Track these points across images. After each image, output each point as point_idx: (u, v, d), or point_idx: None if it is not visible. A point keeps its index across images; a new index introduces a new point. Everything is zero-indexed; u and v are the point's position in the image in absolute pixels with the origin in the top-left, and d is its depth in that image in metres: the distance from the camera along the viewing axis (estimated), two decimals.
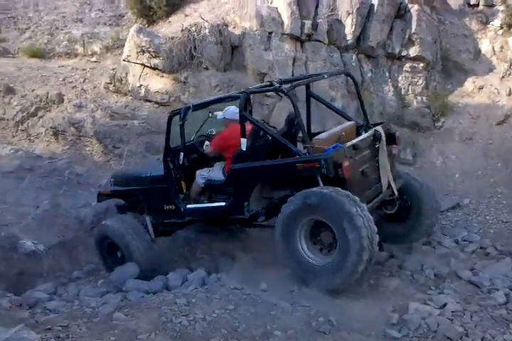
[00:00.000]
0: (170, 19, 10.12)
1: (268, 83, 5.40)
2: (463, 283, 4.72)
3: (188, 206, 5.39)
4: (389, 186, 5.06)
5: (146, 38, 8.66)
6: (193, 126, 5.81)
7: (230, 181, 5.04)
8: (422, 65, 8.74)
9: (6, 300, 4.98)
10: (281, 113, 7.87)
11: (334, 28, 8.45)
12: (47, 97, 8.67)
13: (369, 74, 8.70)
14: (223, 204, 5.12)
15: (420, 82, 8.75)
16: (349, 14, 8.37)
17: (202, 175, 5.40)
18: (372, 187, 4.93)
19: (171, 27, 9.62)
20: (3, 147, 8.08)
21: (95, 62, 9.95)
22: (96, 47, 10.20)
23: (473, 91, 8.75)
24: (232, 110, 5.28)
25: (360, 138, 4.92)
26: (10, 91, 8.76)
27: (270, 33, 8.29)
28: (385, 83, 8.72)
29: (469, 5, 9.42)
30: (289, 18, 8.17)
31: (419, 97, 8.71)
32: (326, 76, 5.59)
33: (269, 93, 7.97)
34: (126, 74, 8.96)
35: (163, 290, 4.82)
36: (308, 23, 8.24)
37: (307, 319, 4.00)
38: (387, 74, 8.79)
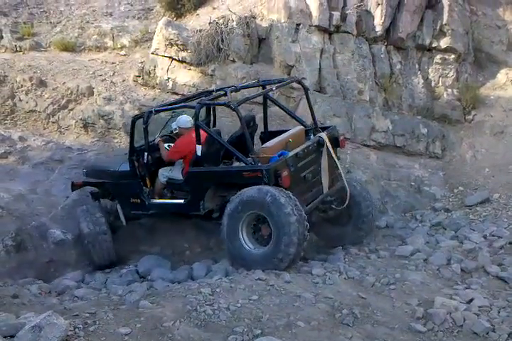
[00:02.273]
0: (198, 12, 10.13)
1: (222, 92, 5.71)
2: (490, 279, 4.64)
3: (152, 200, 5.91)
4: (330, 187, 5.56)
5: (174, 31, 8.71)
6: (158, 125, 6.30)
7: (188, 182, 5.54)
8: (453, 56, 8.55)
9: (36, 287, 5.15)
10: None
11: (363, 19, 8.33)
12: (77, 90, 8.82)
13: (398, 66, 8.56)
14: (182, 201, 5.62)
15: (451, 74, 8.57)
16: (379, 5, 8.23)
17: (163, 174, 5.90)
18: (314, 190, 5.44)
19: (199, 20, 9.63)
20: (35, 139, 8.29)
21: (124, 55, 10.06)
22: (125, 41, 10.30)
23: (505, 84, 8.52)
24: (184, 119, 5.84)
25: (304, 146, 5.34)
26: (42, 84, 8.95)
27: (298, 25, 8.22)
28: (415, 75, 8.57)
29: None
30: (317, 9, 8.09)
31: (449, 90, 8.54)
32: (274, 88, 5.86)
33: (295, 85, 7.96)
34: (155, 67, 9.04)
35: (187, 280, 4.90)
36: (336, 15, 8.14)
37: (331, 311, 3.99)
38: (416, 66, 8.64)
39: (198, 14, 10.16)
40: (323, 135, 5.51)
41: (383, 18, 8.30)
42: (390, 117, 8.12)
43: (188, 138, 5.61)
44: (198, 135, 5.29)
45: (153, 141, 6.11)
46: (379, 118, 8.04)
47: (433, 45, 8.55)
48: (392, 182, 7.52)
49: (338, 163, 5.51)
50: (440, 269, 4.89)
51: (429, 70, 8.61)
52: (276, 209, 4.71)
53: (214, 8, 9.97)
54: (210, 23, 8.74)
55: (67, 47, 10.09)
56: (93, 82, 9.03)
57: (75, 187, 6.72)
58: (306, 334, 3.64)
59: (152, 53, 9.11)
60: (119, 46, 10.26)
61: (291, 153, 5.13)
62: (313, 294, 4.26)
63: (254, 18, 8.78)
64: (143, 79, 9.09)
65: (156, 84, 8.95)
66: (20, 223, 6.43)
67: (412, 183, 7.57)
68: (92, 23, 10.70)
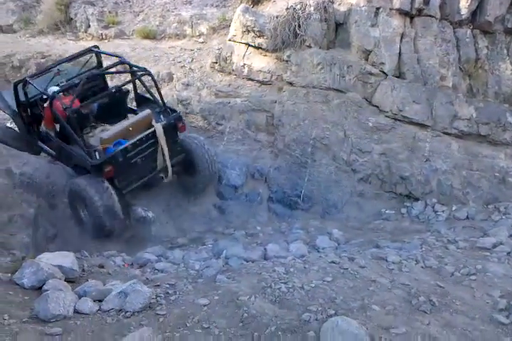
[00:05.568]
0: None
1: (74, 83, 6.49)
2: None
3: (39, 143, 7.14)
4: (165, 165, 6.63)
5: (251, 18, 8.75)
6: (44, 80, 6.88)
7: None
8: None
9: (120, 259, 5.47)
10: (385, 91, 7.65)
11: (447, 1, 7.90)
12: (158, 76, 9.13)
13: (484, 51, 8.07)
14: (54, 153, 6.97)
15: None
16: None
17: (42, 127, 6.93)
18: (147, 168, 6.54)
19: (276, 6, 9.60)
20: None
21: (202, 42, 10.27)
22: (203, 28, 10.50)
23: None
24: (52, 90, 6.43)
25: (138, 137, 6.25)
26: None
27: (378, 9, 7.96)
28: (503, 61, 8.04)
29: None
30: None
31: None
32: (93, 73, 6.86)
33: (373, 71, 7.79)
34: (231, 53, 9.15)
35: (261, 260, 4.98)
36: None
37: (407, 297, 3.92)
38: (505, 51, 8.09)
39: (274, 1, 10.14)
40: (158, 126, 6.39)
41: (469, 1, 7.83)
42: (474, 104, 7.71)
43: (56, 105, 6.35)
44: (56, 116, 6.28)
45: (37, 95, 6.76)
46: (462, 106, 7.66)
47: None
48: (475, 172, 7.16)
49: (165, 149, 6.46)
50: None
51: None
52: (88, 199, 6.11)
53: None
54: (287, 8, 8.69)
55: (149, 35, 10.47)
56: (173, 69, 9.33)
57: None
58: (381, 317, 3.61)
59: (229, 40, 9.23)
60: (197, 34, 10.48)
61: (119, 148, 6.12)
62: (388, 280, 4.21)
63: (332, 2, 8.61)
64: (219, 65, 9.24)
65: (232, 70, 9.06)
66: None
67: (497, 174, 7.16)
68: (172, 12, 10.98)
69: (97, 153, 6.15)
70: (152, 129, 6.39)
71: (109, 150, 6.16)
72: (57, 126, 6.54)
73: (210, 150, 7.21)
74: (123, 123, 6.47)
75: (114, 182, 6.33)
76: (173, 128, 6.72)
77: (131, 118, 6.60)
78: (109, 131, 6.38)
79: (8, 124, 7.52)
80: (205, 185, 7.37)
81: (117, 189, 6.34)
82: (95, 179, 6.21)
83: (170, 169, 6.72)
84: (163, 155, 6.56)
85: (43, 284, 3.86)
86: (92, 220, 6.27)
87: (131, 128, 6.32)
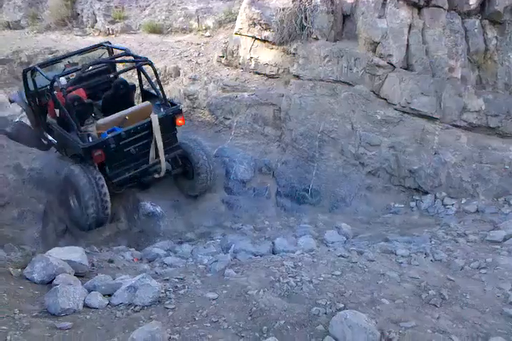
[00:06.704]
0: None
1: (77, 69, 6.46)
2: None
3: (45, 133, 7.18)
4: (157, 156, 6.51)
5: (257, 11, 8.70)
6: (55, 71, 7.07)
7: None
8: None
9: (129, 253, 5.49)
10: (393, 83, 7.58)
11: None
12: (165, 71, 9.14)
13: (493, 42, 7.97)
14: (55, 141, 6.99)
15: None
16: None
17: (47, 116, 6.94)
18: (141, 160, 6.45)
19: None
20: None
21: (209, 36, 10.24)
22: (209, 22, 10.47)
23: None
24: (62, 79, 6.54)
25: (133, 126, 6.21)
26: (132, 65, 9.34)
27: (385, 0, 7.90)
28: None
29: None
30: None
31: None
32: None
33: (381, 63, 7.72)
34: (238, 47, 9.11)
35: (269, 254, 4.98)
36: None
37: (416, 290, 3.90)
38: None
39: None
40: (155, 117, 6.33)
41: None
42: (483, 96, 7.62)
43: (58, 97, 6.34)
44: (56, 102, 6.27)
45: (46, 86, 6.69)
46: (471, 98, 7.57)
47: None
48: (484, 165, 7.09)
49: (158, 141, 6.36)
50: None
51: None
52: (77, 186, 6.04)
53: None
54: (293, 0, 8.62)
55: (156, 30, 10.47)
56: (179, 63, 9.31)
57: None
58: (390, 311, 3.59)
59: (235, 33, 9.18)
60: (203, 27, 10.46)
61: (113, 134, 6.07)
62: (397, 273, 4.19)
63: None
64: (226, 59, 9.21)
65: (239, 63, 9.03)
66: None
67: (507, 167, 7.09)
68: (179, 6, 10.96)
69: (90, 138, 6.14)
70: (148, 120, 6.33)
71: (103, 136, 6.14)
72: (57, 112, 6.49)
73: (209, 153, 7.12)
74: (120, 113, 6.39)
75: (105, 170, 6.25)
76: (171, 121, 6.65)
77: (128, 109, 6.51)
78: (107, 118, 6.31)
79: (22, 120, 7.55)
80: (203, 188, 7.17)
81: (108, 178, 6.26)
82: (88, 167, 6.14)
83: (163, 163, 6.54)
84: (157, 148, 6.42)
85: (53, 279, 3.88)
86: (81, 209, 6.16)
87: (127, 117, 6.26)
